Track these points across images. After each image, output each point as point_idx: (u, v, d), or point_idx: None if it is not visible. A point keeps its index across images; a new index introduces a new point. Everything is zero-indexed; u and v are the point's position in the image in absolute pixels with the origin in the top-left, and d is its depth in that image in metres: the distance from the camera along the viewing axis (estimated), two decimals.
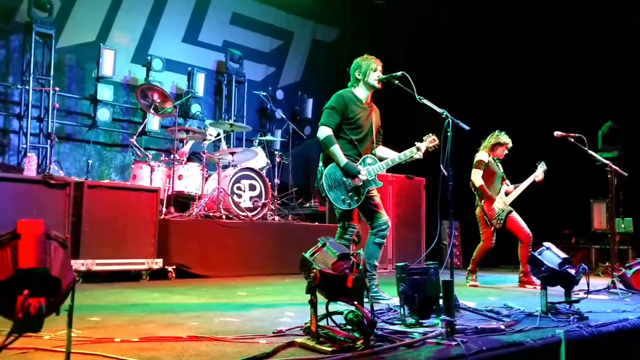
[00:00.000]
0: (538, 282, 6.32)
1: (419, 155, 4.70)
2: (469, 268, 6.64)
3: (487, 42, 10.69)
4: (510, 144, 6.61)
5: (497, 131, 6.66)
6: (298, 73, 12.38)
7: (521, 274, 6.46)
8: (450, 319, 2.81)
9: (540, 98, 10.26)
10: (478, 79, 10.65)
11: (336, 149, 4.51)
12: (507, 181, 6.66)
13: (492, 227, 6.47)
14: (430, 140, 4.70)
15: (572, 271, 3.90)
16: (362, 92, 4.72)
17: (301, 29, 12.32)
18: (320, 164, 4.66)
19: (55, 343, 2.54)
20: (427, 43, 11.00)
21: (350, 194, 4.52)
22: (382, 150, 4.88)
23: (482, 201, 6.49)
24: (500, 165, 6.67)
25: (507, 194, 6.52)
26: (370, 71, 4.66)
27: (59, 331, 2.66)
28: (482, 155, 6.54)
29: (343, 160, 4.50)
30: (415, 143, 4.73)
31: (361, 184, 4.53)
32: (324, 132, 4.55)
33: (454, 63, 10.77)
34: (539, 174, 6.64)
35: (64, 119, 9.04)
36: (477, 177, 6.46)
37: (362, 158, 4.64)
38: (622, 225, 8.69)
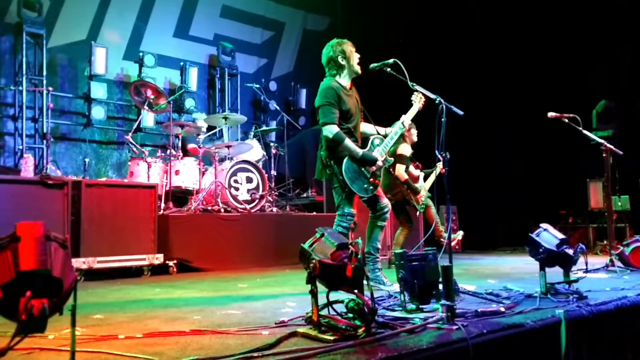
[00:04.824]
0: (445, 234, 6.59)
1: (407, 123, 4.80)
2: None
3: (480, 25, 10.67)
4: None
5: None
6: (290, 63, 12.36)
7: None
8: (450, 303, 2.83)
9: (533, 79, 10.25)
10: (470, 62, 10.64)
11: (348, 143, 4.48)
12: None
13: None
14: (419, 99, 4.77)
15: (570, 251, 3.91)
16: (346, 79, 4.69)
17: (292, 19, 12.29)
18: (324, 155, 4.60)
19: (60, 342, 2.56)
20: (420, 28, 10.99)
21: (370, 180, 4.56)
22: (364, 126, 4.89)
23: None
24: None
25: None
26: (353, 55, 4.66)
27: (63, 330, 2.68)
28: (404, 148, 6.62)
29: (359, 152, 4.50)
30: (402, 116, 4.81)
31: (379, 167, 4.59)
32: (331, 129, 4.47)
33: (445, 46, 10.75)
34: (440, 166, 6.82)
35: (59, 118, 9.03)
36: (401, 171, 6.57)
37: (371, 140, 4.68)
38: (619, 203, 8.72)
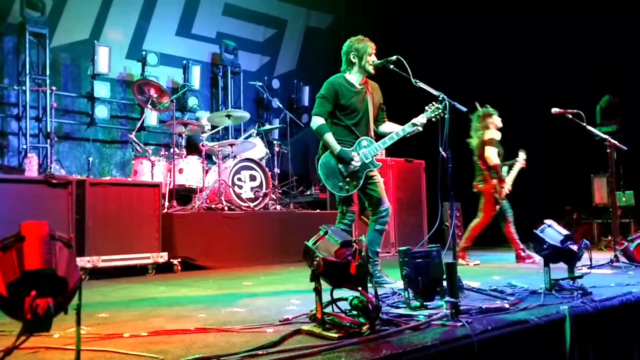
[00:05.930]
0: (536, 256, 6.38)
1: (419, 129, 4.61)
2: (465, 245, 6.65)
3: (482, 20, 10.64)
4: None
5: (482, 108, 6.68)
6: (293, 61, 12.35)
7: (519, 251, 6.57)
8: (454, 300, 2.82)
9: (536, 75, 10.22)
10: (472, 59, 10.61)
11: (329, 137, 4.52)
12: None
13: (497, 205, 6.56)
14: (433, 110, 4.53)
15: (574, 247, 3.90)
16: (355, 76, 4.69)
17: (294, 16, 12.28)
18: (320, 152, 4.68)
19: (65, 341, 2.57)
20: (422, 24, 10.97)
21: (347, 179, 4.53)
22: (387, 126, 4.85)
23: (493, 179, 6.51)
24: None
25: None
26: (366, 55, 4.63)
27: (68, 329, 2.69)
28: (492, 133, 6.54)
29: (337, 147, 4.52)
30: (413, 119, 4.63)
31: (357, 168, 4.54)
32: (316, 121, 4.59)
33: (447, 43, 10.73)
34: (521, 161, 6.72)
35: (62, 117, 9.04)
36: (493, 154, 6.47)
37: (357, 141, 4.61)
38: (624, 199, 8.70)
